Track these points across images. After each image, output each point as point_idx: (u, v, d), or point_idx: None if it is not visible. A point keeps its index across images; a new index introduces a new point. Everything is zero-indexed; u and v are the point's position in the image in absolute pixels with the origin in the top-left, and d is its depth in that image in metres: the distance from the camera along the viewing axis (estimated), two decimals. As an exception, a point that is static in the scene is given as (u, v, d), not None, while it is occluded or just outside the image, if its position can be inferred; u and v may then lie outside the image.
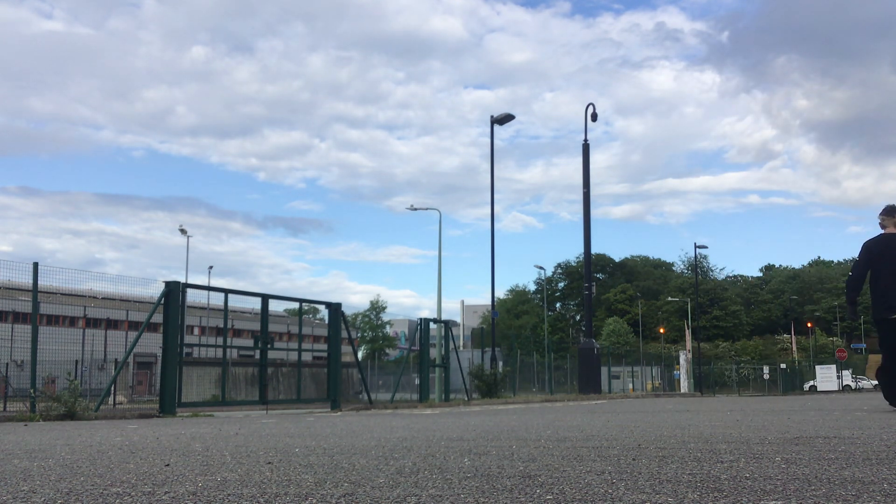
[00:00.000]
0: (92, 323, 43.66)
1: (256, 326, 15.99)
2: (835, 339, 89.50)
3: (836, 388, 51.10)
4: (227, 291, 14.78)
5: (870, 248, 8.61)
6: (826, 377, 52.93)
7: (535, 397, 27.14)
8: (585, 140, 29.04)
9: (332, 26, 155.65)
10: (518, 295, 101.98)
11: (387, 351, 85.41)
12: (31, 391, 11.59)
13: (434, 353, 24.76)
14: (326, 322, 18.93)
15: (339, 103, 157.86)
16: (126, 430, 7.47)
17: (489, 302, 28.14)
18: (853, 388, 53.62)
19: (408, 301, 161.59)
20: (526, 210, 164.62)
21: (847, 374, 56.14)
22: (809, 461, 3.53)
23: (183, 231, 56.38)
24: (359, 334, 73.22)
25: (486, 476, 3.15)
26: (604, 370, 35.50)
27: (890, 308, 8.39)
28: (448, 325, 23.84)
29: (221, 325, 16.34)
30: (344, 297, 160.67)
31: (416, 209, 38.48)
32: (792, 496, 2.55)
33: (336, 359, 17.00)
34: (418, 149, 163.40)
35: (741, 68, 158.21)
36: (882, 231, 8.69)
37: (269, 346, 15.00)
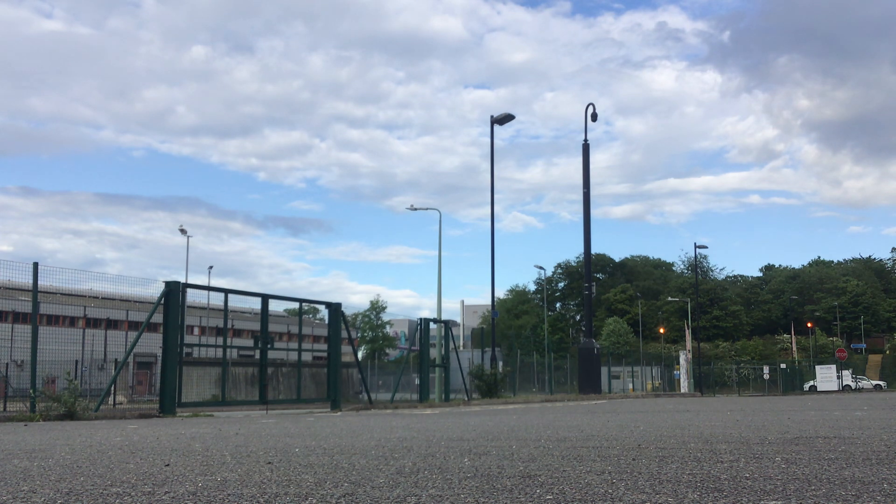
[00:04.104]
0: (92, 323, 43.66)
1: (256, 326, 16.00)
2: (835, 339, 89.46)
3: (836, 388, 51.09)
4: (227, 291, 14.78)
5: None
6: (826, 377, 52.92)
7: (535, 397, 27.14)
8: (585, 140, 29.06)
9: (332, 26, 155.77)
10: (518, 295, 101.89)
11: (387, 351, 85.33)
12: (31, 391, 11.59)
13: (434, 353, 24.76)
14: (326, 322, 18.92)
15: (339, 103, 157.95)
16: (126, 430, 7.47)
17: (489, 302, 28.13)
18: (853, 388, 53.61)
19: (408, 301, 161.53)
20: (526, 210, 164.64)
21: (847, 374, 56.12)
22: (809, 461, 3.53)
23: (183, 231, 56.32)
24: (359, 334, 73.18)
25: (486, 476, 3.14)
26: (604, 370, 35.49)
27: None
28: (448, 325, 23.84)
29: (221, 325, 16.35)
30: (344, 297, 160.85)
31: (416, 209, 38.42)
32: (792, 496, 2.55)
33: (336, 359, 17.00)
34: (418, 149, 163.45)
35: (742, 68, 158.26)
36: None
37: (269, 346, 15.00)
